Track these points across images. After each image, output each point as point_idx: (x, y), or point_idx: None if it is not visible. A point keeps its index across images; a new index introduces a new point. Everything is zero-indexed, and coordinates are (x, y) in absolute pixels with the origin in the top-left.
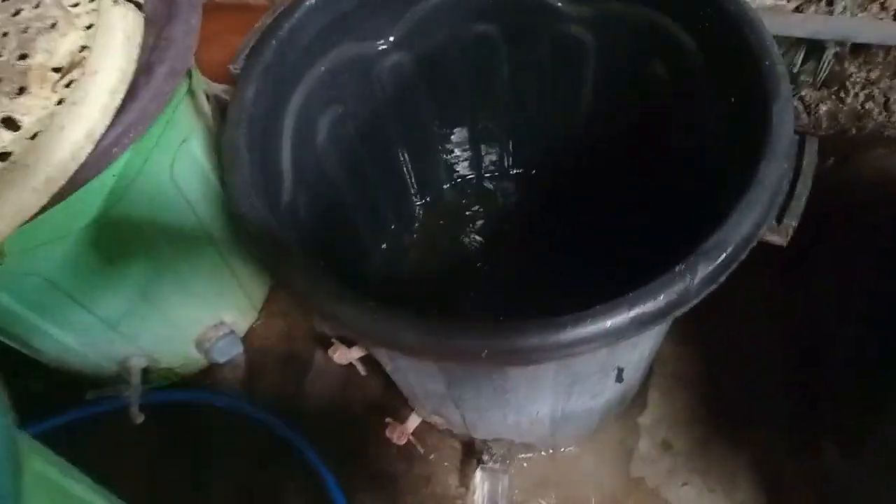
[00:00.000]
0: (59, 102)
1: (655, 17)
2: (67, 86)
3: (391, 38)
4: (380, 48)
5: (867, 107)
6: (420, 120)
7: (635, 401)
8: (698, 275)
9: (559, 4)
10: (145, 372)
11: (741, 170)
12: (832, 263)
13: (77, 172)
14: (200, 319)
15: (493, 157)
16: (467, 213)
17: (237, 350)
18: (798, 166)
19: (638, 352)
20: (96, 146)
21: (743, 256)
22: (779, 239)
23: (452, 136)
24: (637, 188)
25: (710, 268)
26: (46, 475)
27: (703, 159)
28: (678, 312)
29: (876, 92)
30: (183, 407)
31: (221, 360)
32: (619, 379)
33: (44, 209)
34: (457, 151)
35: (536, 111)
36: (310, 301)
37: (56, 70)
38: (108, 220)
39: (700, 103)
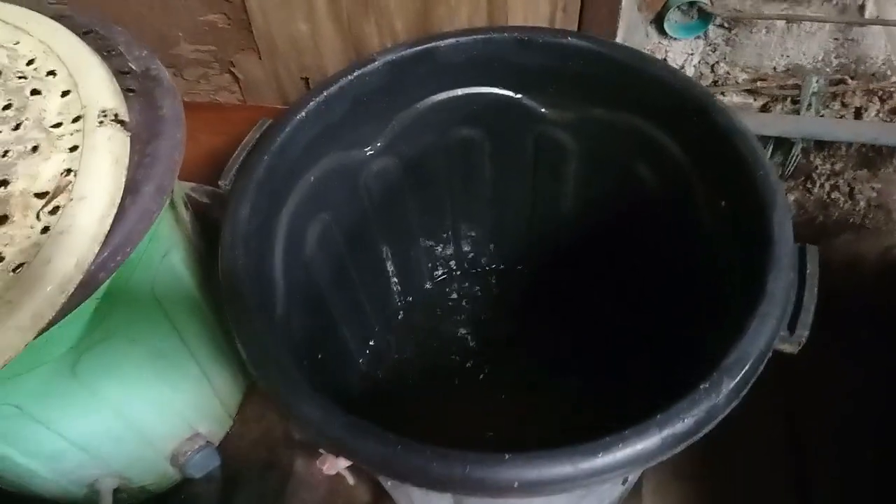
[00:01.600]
0: (45, 231)
1: (640, 123)
2: (53, 212)
3: (378, 144)
4: (367, 154)
5: (833, 196)
6: (403, 219)
7: (630, 497)
8: (723, 391)
9: (543, 111)
10: (116, 493)
11: (743, 278)
12: (816, 357)
13: (63, 305)
14: (176, 433)
15: (476, 254)
16: (451, 310)
17: (214, 463)
18: (802, 275)
19: None
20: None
21: (761, 369)
22: (791, 348)
23: (435, 235)
24: (625, 288)
25: (734, 383)
26: None
27: (696, 262)
28: (706, 430)
29: (840, 182)
30: None
31: (197, 475)
32: (625, 481)
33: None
34: (439, 249)
35: (519, 210)
36: (334, 437)
37: (40, 196)
38: (86, 346)
39: (689, 206)
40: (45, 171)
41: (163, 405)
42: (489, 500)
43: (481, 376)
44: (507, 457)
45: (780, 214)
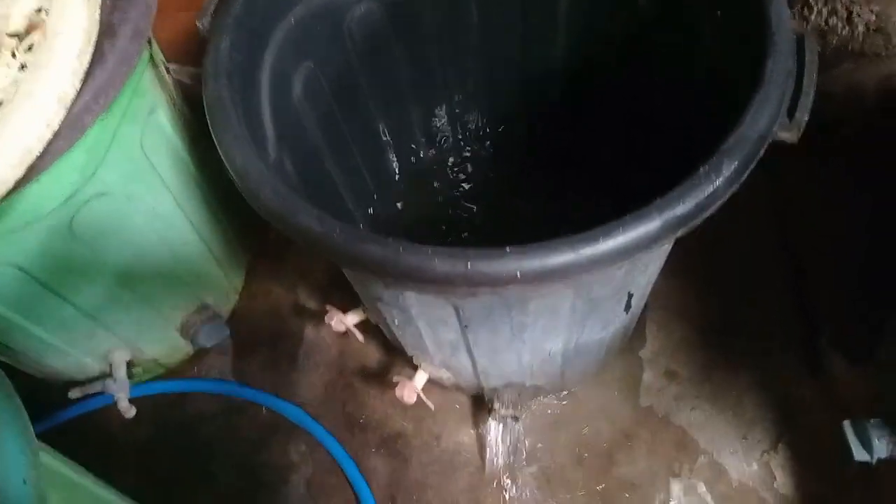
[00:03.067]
0: (22, 68)
1: None
2: (28, 50)
3: None
4: None
5: (831, 23)
6: (391, 72)
7: (635, 336)
8: (722, 174)
9: None
10: (130, 366)
11: (743, 76)
12: (813, 181)
13: (51, 143)
14: (182, 304)
15: (469, 114)
16: (449, 172)
17: (223, 333)
18: (801, 63)
19: (647, 275)
20: (67, 113)
21: (761, 154)
22: (791, 136)
23: (426, 93)
24: (624, 115)
25: (734, 166)
26: (54, 469)
27: (693, 71)
28: (706, 215)
29: (838, 6)
30: (173, 398)
31: (208, 344)
32: (628, 307)
33: (17, 186)
34: (430, 105)
35: (510, 58)
36: (329, 246)
37: (13, 36)
38: (82, 199)
39: (684, 23)
40: (16, 12)
41: (166, 272)
42: (495, 309)
43: (484, 229)
44: (508, 249)
45: (776, 4)
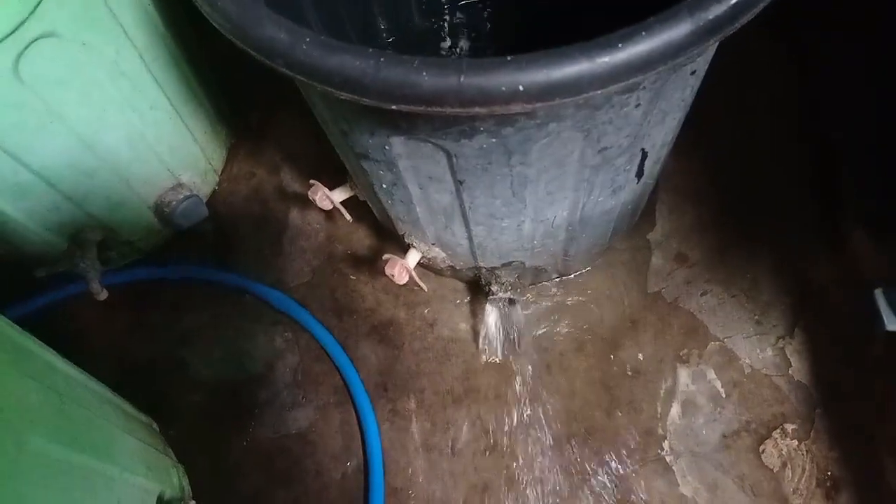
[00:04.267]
0: None
1: None
2: None
3: None
4: None
5: None
6: None
7: (643, 218)
8: None
9: None
10: (104, 249)
11: None
12: (837, 52)
13: None
14: (155, 179)
15: None
16: (442, 39)
17: (202, 213)
18: None
19: (664, 129)
20: None
21: None
22: None
23: None
24: None
25: None
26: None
27: None
28: (744, 19)
29: None
30: (151, 285)
31: (185, 224)
32: (640, 173)
33: None
34: None
35: None
36: (298, 61)
37: None
38: (27, 37)
39: None
40: None
41: (134, 138)
42: (493, 145)
43: None
44: (509, 58)
45: None
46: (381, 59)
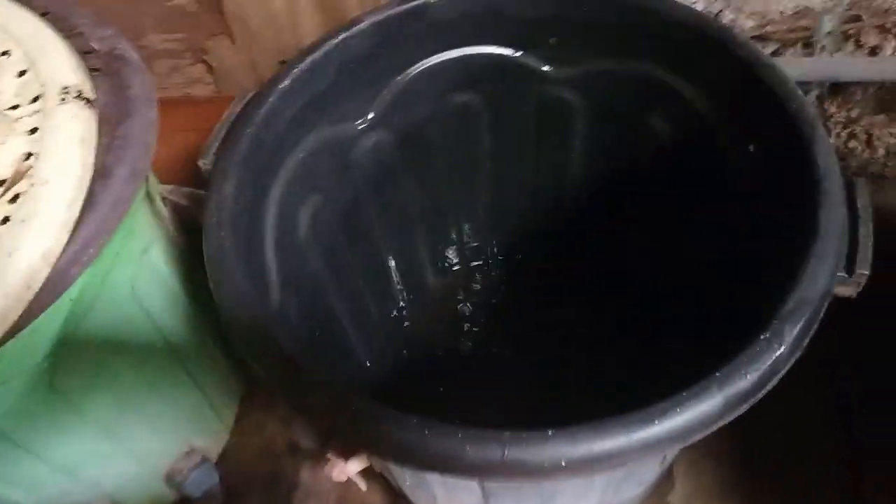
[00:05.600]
0: (5, 221)
1: (652, 70)
2: (13, 201)
3: (369, 116)
4: (358, 128)
5: (850, 145)
6: (399, 201)
7: (663, 480)
8: (786, 340)
9: (545, 69)
10: None
11: (788, 225)
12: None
13: (31, 303)
14: (169, 450)
15: (479, 243)
16: (457, 304)
17: (213, 480)
18: (854, 211)
19: None
20: (52, 268)
21: (822, 314)
22: (849, 291)
23: (434, 220)
24: (642, 263)
25: (797, 329)
26: None
27: (724, 218)
28: (770, 386)
29: (858, 129)
30: None
31: (197, 493)
32: (664, 460)
33: None
34: (440, 234)
35: (523, 185)
36: (338, 429)
37: None
38: (64, 354)
39: (710, 156)
40: (1, 158)
41: (153, 418)
42: (526, 485)
43: (496, 368)
44: (550, 433)
45: (822, 147)
46: (426, 431)
